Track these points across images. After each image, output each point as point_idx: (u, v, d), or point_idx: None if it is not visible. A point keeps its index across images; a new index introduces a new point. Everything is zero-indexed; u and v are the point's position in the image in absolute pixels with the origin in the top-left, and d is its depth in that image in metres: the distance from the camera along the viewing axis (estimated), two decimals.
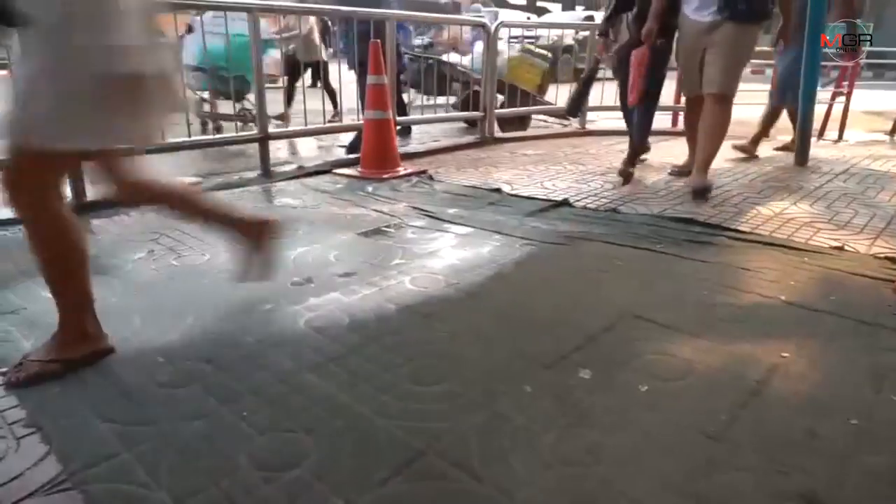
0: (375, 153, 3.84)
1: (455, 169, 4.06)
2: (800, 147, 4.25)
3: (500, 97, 5.89)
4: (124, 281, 2.06)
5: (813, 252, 2.35)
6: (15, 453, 1.18)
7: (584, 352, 1.59)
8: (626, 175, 3.66)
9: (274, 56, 5.69)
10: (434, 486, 1.11)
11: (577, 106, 4.25)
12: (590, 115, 6.01)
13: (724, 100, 3.24)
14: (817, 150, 4.65)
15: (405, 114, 5.33)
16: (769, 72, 6.92)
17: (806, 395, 1.40)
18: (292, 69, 5.90)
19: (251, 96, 4.47)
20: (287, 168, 4.09)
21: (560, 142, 5.31)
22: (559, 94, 5.72)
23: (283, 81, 5.75)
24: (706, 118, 3.31)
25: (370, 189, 3.46)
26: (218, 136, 4.03)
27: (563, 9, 21.07)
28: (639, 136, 3.81)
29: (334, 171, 3.94)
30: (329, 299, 1.91)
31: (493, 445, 1.21)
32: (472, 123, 6.29)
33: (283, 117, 5.82)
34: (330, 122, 5.27)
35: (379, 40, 3.88)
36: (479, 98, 5.39)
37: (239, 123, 5.13)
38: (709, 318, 1.79)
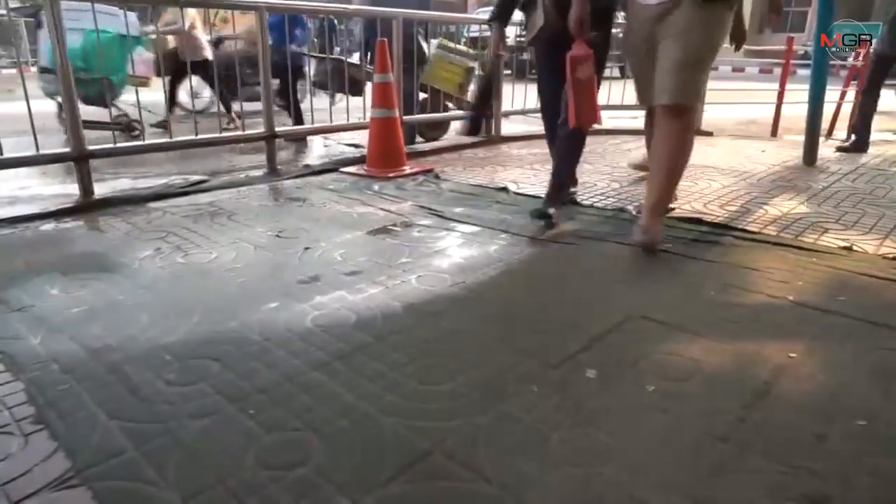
0: (382, 152, 3.84)
1: (461, 168, 4.06)
2: (808, 146, 4.23)
3: (423, 95, 5.41)
4: (131, 279, 2.06)
5: (821, 252, 2.34)
6: (23, 450, 1.19)
7: (591, 352, 1.58)
8: (545, 216, 2.63)
9: (143, 55, 5.16)
10: (440, 485, 1.11)
11: (477, 125, 3.28)
12: None
13: (680, 112, 2.32)
14: (826, 149, 4.63)
15: (301, 122, 5.09)
16: (777, 70, 6.89)
17: (813, 396, 1.39)
18: (176, 69, 5.52)
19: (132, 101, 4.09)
20: (293, 166, 4.10)
21: None
22: None
23: (164, 83, 4.90)
24: (657, 141, 2.42)
25: (376, 188, 3.46)
26: (224, 134, 4.01)
27: None
28: (567, 163, 2.82)
29: (340, 169, 3.95)
30: (335, 298, 1.91)
31: (500, 445, 1.21)
32: None
33: (165, 125, 5.34)
34: (225, 129, 4.69)
35: (386, 38, 3.88)
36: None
37: (117, 133, 4.49)
38: (716, 319, 1.78)
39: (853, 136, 4.79)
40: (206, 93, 6.63)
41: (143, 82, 4.86)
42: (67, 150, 3.07)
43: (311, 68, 5.81)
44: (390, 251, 2.35)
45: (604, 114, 7.80)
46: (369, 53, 5.38)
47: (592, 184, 3.55)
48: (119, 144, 3.32)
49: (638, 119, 6.63)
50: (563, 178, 2.81)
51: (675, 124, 2.35)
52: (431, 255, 2.32)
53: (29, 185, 3.67)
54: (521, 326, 1.74)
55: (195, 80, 5.21)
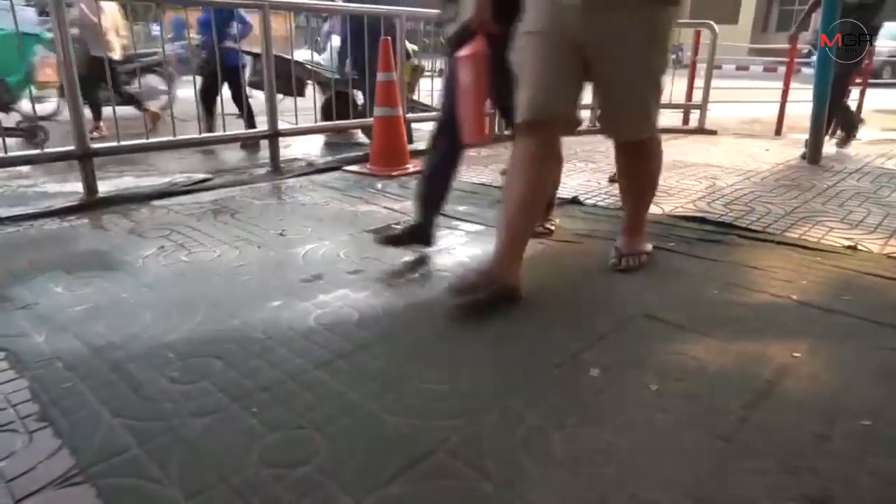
0: (385, 150, 3.84)
1: (464, 166, 4.05)
2: (812, 145, 4.21)
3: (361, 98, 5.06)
4: (135, 277, 2.07)
5: (825, 251, 2.33)
6: (27, 447, 1.19)
7: (594, 350, 1.58)
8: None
9: (46, 56, 4.66)
10: (443, 484, 1.11)
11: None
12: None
13: (654, 140, 2.08)
14: (830, 148, 4.62)
15: (254, 124, 4.63)
16: (781, 69, 6.86)
17: (817, 396, 1.39)
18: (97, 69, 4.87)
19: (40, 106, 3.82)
20: (296, 165, 4.11)
21: (570, 139, 5.28)
22: None
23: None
24: (632, 166, 2.16)
25: (379, 186, 3.46)
26: (227, 132, 4.02)
27: None
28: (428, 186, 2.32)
29: (343, 168, 3.95)
30: (338, 296, 1.91)
31: (504, 444, 1.21)
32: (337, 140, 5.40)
33: (97, 129, 5.08)
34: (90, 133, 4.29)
35: (389, 37, 3.88)
36: (349, 102, 4.58)
37: (21, 139, 4.20)
38: (720, 318, 1.78)
39: (839, 131, 4.83)
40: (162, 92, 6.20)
41: (50, 86, 4.48)
42: (71, 148, 3.07)
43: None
44: (393, 249, 2.34)
45: None
46: (349, 53, 5.13)
47: (595, 182, 3.54)
48: (123, 143, 3.32)
49: None
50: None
51: (647, 147, 2.08)
52: (434, 253, 2.32)
53: (33, 183, 3.69)
54: (525, 325, 1.74)
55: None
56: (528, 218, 1.95)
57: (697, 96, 5.83)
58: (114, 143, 3.32)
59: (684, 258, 2.28)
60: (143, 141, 3.46)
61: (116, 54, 5.25)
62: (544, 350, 1.58)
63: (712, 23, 5.63)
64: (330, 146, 5.34)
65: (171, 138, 3.67)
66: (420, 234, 2.27)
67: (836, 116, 4.71)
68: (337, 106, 4.69)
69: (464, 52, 1.94)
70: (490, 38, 1.92)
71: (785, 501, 1.07)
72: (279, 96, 4.81)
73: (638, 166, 2.16)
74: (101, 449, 1.18)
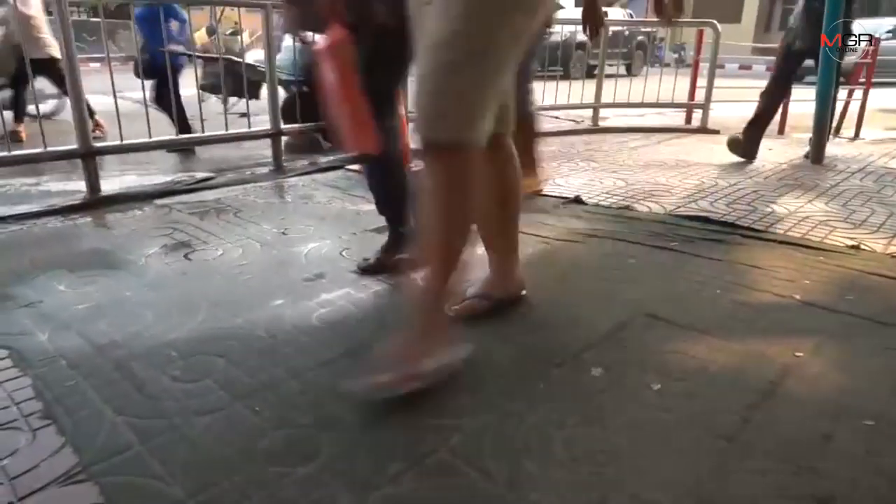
0: None
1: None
2: (816, 144, 4.20)
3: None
4: (137, 276, 2.07)
5: (828, 251, 2.33)
6: (31, 445, 1.20)
7: (597, 350, 1.58)
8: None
9: None
10: (446, 483, 1.11)
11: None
12: (603, 112, 5.97)
13: (439, 152, 1.33)
14: (833, 147, 4.60)
15: (188, 130, 4.28)
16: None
17: (820, 396, 1.38)
18: (19, 69, 4.55)
19: None
20: (299, 163, 4.11)
21: (573, 139, 5.28)
22: (571, 92, 5.65)
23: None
24: (429, 190, 1.41)
25: None
26: (230, 131, 4.01)
27: (576, 4, 20.91)
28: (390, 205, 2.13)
29: (346, 167, 3.95)
30: (341, 295, 1.92)
31: (505, 443, 1.21)
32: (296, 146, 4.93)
33: (16, 136, 4.65)
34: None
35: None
36: (309, 105, 4.17)
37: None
38: (722, 317, 1.78)
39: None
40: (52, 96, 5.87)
41: None
42: (75, 146, 3.08)
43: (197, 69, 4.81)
44: None
45: (608, 111, 7.61)
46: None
47: (598, 181, 3.54)
48: (126, 142, 3.33)
49: (645, 116, 6.62)
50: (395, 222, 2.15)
51: (430, 173, 1.37)
52: None
53: (36, 181, 3.69)
54: (526, 325, 1.74)
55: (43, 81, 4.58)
56: (489, 232, 1.82)
57: (700, 96, 5.81)
58: (117, 142, 3.32)
59: (686, 257, 2.27)
60: (146, 140, 3.47)
61: (54, 53, 4.60)
62: (546, 350, 1.58)
63: (715, 22, 5.61)
64: (290, 148, 4.94)
65: (173, 137, 3.68)
66: (402, 243, 2.12)
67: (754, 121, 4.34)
68: (299, 107, 4.34)
69: (321, 43, 1.53)
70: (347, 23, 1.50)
71: (787, 501, 1.07)
72: (233, 99, 4.62)
73: (425, 207, 1.41)
74: (104, 447, 1.19)
